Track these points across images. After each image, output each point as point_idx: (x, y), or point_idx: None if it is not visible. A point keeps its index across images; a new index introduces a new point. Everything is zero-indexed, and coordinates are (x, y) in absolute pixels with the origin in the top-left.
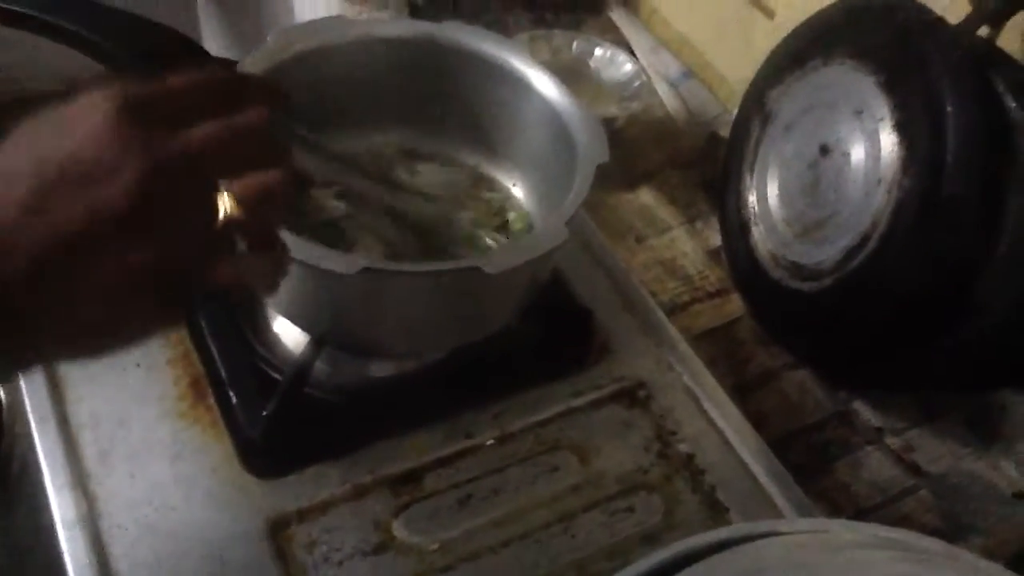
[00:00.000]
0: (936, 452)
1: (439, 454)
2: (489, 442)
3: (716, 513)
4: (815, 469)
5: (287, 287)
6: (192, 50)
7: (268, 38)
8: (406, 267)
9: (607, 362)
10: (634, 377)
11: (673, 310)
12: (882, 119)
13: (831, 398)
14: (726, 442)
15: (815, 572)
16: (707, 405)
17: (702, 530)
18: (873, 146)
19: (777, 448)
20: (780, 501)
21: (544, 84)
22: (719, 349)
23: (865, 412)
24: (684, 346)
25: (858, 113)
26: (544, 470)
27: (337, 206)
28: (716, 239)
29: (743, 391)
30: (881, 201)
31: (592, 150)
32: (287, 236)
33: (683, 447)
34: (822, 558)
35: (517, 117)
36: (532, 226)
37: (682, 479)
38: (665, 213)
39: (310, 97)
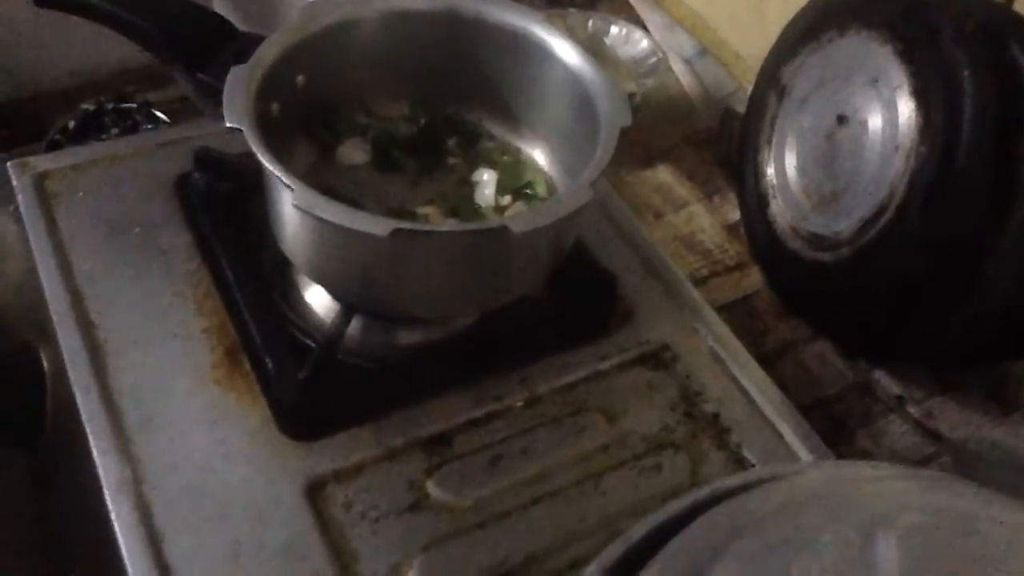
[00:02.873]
0: (957, 420)
1: (468, 416)
2: (518, 404)
3: (742, 469)
4: (836, 438)
5: (318, 251)
6: (224, 30)
7: (294, 14)
8: (435, 227)
9: (631, 326)
10: (658, 340)
11: (692, 284)
12: (899, 87)
13: (851, 368)
14: (751, 401)
15: (845, 504)
16: (731, 366)
17: None
18: (891, 114)
19: None
20: (805, 455)
21: (565, 51)
22: (738, 322)
23: (885, 381)
24: (707, 310)
25: (874, 82)
26: (572, 431)
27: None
28: (734, 214)
29: (763, 363)
30: (899, 169)
31: (615, 114)
32: (320, 200)
33: (708, 407)
34: (851, 490)
35: (539, 86)
36: (555, 191)
37: (708, 437)
38: (682, 189)
39: (335, 71)
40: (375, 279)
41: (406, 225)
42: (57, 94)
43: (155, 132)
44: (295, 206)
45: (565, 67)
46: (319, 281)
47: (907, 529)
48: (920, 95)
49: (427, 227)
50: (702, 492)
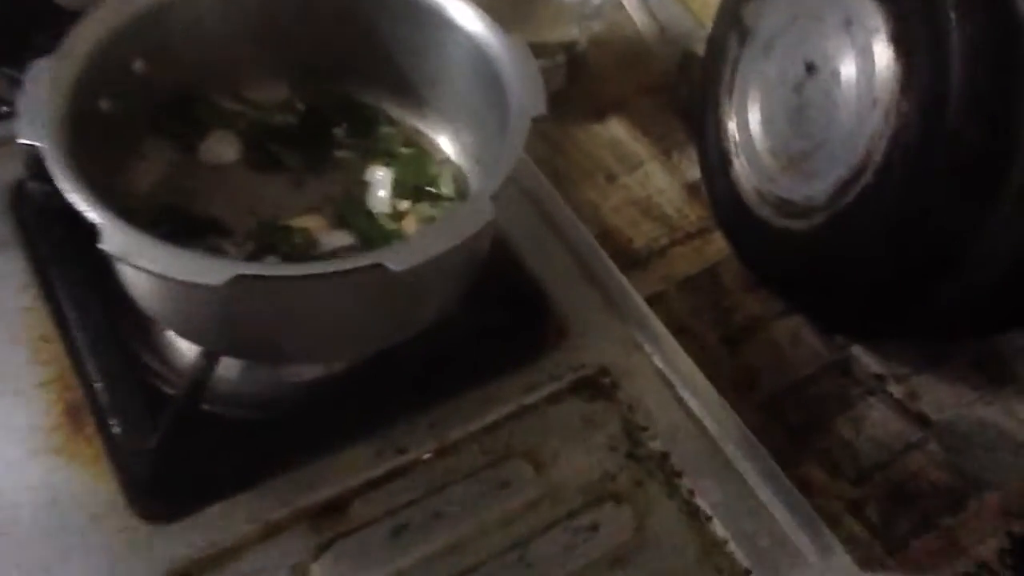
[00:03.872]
0: (943, 399)
1: (367, 476)
2: (426, 456)
3: (696, 523)
4: (813, 427)
5: (157, 296)
6: (39, 9)
7: None
8: (284, 270)
9: (563, 347)
10: (596, 363)
11: (649, 256)
12: (876, 30)
13: (827, 345)
14: (706, 435)
15: None
16: (683, 391)
17: (681, 545)
18: (866, 62)
19: (770, 406)
20: (773, 504)
21: (466, 17)
22: (702, 297)
23: (864, 358)
24: (654, 321)
25: (848, 24)
26: (492, 486)
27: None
28: (695, 172)
29: (730, 343)
30: (877, 127)
31: (526, 100)
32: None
33: (656, 444)
34: None
35: (440, 59)
36: (465, 191)
37: (656, 484)
38: (637, 146)
39: (186, 49)
40: (230, 325)
41: (247, 270)
42: None
43: None
44: (102, 250)
45: (467, 36)
46: (167, 326)
47: None
48: (900, 41)
49: (273, 271)
50: None
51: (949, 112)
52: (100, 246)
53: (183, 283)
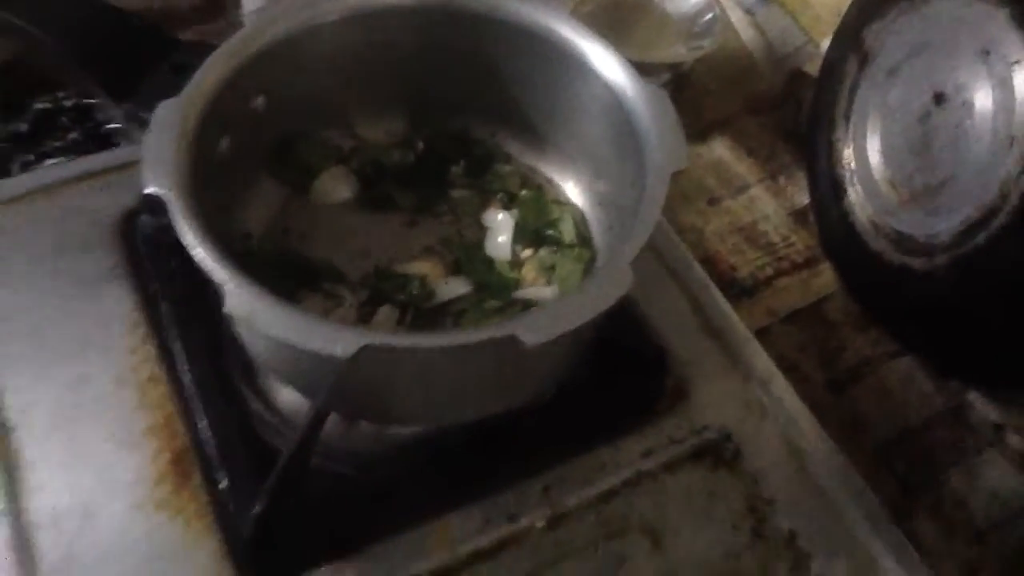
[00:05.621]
0: None
1: (476, 545)
2: (539, 525)
3: None
4: (924, 480)
5: (276, 353)
6: (157, 40)
7: (244, 20)
8: (417, 340)
9: (683, 408)
10: (718, 426)
11: (753, 287)
12: (1017, 62)
13: (941, 391)
14: (837, 513)
15: None
16: (810, 462)
17: None
18: (1005, 95)
19: (878, 455)
20: None
21: (601, 59)
22: (808, 334)
23: (982, 406)
24: (780, 380)
25: (984, 54)
26: (609, 561)
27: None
28: (803, 198)
29: (837, 386)
30: (1013, 165)
31: (666, 155)
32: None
33: (783, 522)
34: None
35: (567, 97)
36: (587, 236)
37: (784, 564)
38: (742, 168)
39: (304, 87)
40: (348, 390)
41: (377, 341)
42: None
43: (104, 154)
44: (227, 314)
45: (600, 79)
46: (282, 381)
47: None
48: None
49: (403, 342)
50: None
51: None
52: (225, 310)
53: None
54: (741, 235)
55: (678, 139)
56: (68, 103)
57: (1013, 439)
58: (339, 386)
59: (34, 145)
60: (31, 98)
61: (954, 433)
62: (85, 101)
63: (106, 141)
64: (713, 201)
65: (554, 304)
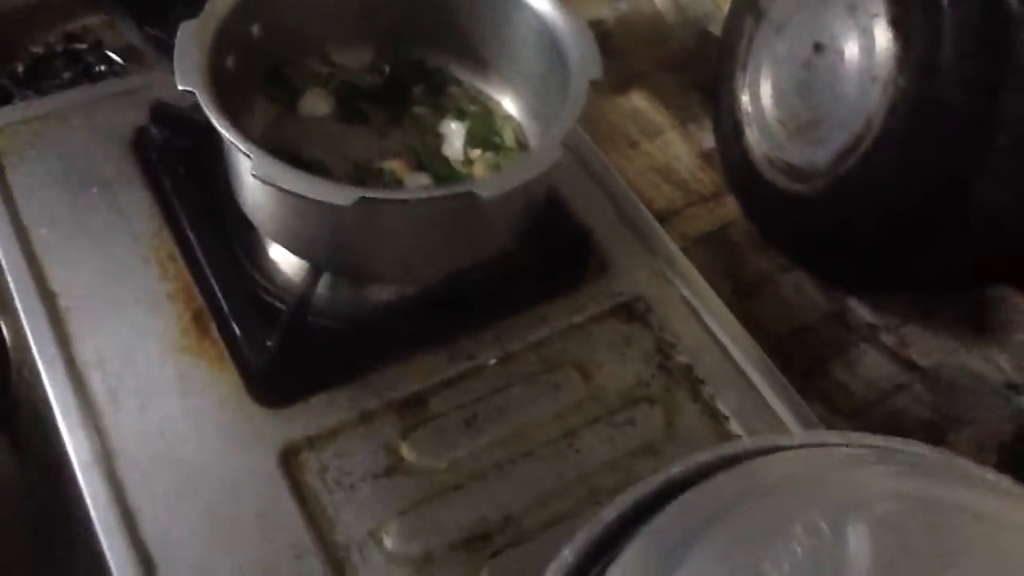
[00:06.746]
0: (930, 347)
1: (443, 376)
2: (491, 362)
3: (716, 422)
4: (812, 370)
5: (280, 217)
6: None
7: None
8: (400, 194)
9: (605, 278)
10: (632, 292)
11: (668, 215)
12: (876, 15)
13: (826, 298)
14: (724, 352)
15: (817, 490)
16: (705, 316)
17: (703, 439)
18: (867, 43)
19: (774, 351)
20: (779, 408)
21: None
22: (715, 253)
23: (859, 310)
24: (681, 258)
25: (852, 9)
26: (547, 388)
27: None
28: (710, 141)
29: (740, 295)
30: (875, 101)
31: (585, 64)
32: (280, 168)
33: (682, 358)
34: (822, 475)
35: (508, 31)
36: (524, 143)
37: (682, 390)
38: (658, 116)
39: (294, 19)
40: (342, 243)
41: (370, 194)
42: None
43: (109, 82)
44: (254, 175)
45: (534, 12)
46: (284, 245)
47: (879, 519)
48: (898, 24)
49: (391, 195)
50: (675, 469)
51: (941, 85)
52: (252, 172)
53: (314, 202)
54: (658, 174)
55: (594, 54)
56: (59, 48)
57: (885, 336)
58: (335, 240)
59: (32, 82)
60: (24, 47)
61: (837, 332)
62: (75, 46)
63: (96, 80)
64: (633, 144)
65: (502, 171)
